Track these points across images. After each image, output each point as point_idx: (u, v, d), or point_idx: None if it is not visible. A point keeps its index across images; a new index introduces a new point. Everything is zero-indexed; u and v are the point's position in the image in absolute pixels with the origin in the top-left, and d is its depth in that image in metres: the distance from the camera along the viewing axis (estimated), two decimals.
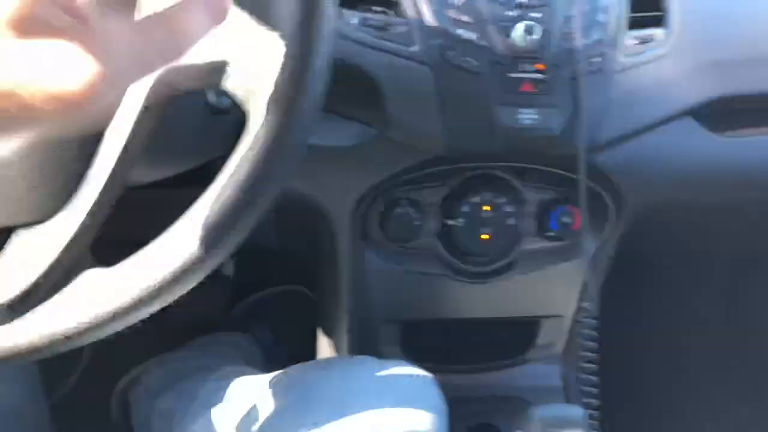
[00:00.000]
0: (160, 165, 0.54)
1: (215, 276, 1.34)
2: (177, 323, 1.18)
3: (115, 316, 0.40)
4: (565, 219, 0.75)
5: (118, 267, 0.40)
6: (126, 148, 0.40)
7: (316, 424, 0.55)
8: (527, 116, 0.64)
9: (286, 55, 0.38)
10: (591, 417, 0.72)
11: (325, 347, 0.87)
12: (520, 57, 0.63)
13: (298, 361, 0.70)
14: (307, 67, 0.39)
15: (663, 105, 0.67)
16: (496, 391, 0.85)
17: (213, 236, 0.39)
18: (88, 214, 0.40)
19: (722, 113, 0.70)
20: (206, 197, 0.40)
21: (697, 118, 0.70)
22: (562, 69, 0.64)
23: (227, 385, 0.74)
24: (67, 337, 0.39)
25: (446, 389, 0.84)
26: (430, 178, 0.73)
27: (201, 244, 0.39)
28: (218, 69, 0.40)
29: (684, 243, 0.90)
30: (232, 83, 0.40)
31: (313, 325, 0.91)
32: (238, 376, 0.76)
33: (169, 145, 0.51)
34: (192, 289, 1.29)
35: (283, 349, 1.16)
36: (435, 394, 0.59)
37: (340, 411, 0.55)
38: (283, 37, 0.38)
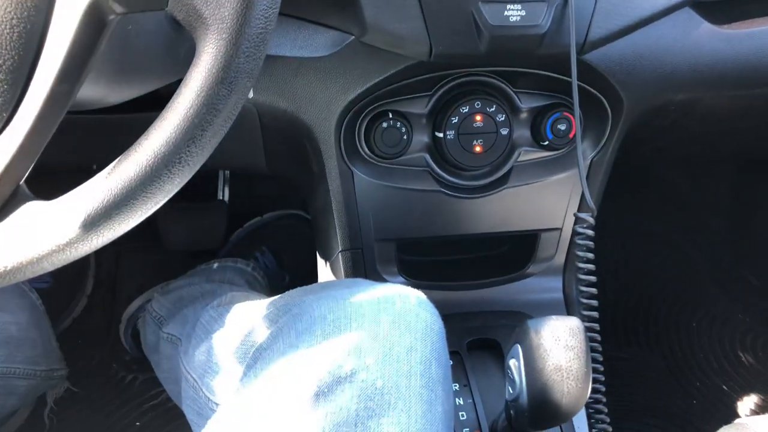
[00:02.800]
0: (124, 85, 0.51)
1: (211, 202, 1.34)
2: (177, 250, 1.19)
3: (57, 251, 0.37)
4: (561, 126, 0.71)
5: (59, 200, 0.38)
6: (65, 69, 0.37)
7: (310, 348, 0.53)
8: (514, 12, 0.59)
9: None
10: (590, 329, 0.70)
11: (323, 269, 0.87)
12: None
13: (301, 285, 0.69)
14: None
15: None
16: (498, 306, 0.84)
17: (162, 166, 0.37)
18: (23, 140, 0.37)
19: (724, 3, 0.65)
20: (155, 126, 0.37)
21: (698, 9, 0.65)
22: None
23: (228, 310, 0.74)
24: (5, 274, 0.38)
25: (447, 306, 0.83)
26: (415, 88, 0.69)
27: (149, 175, 0.36)
28: None
29: (686, 149, 0.86)
30: (175, 7, 0.37)
31: (313, 249, 0.91)
32: (239, 302, 0.76)
33: (132, 64, 0.48)
34: (188, 216, 1.29)
35: (285, 273, 1.17)
36: (430, 314, 0.57)
37: (335, 334, 0.54)
38: None
